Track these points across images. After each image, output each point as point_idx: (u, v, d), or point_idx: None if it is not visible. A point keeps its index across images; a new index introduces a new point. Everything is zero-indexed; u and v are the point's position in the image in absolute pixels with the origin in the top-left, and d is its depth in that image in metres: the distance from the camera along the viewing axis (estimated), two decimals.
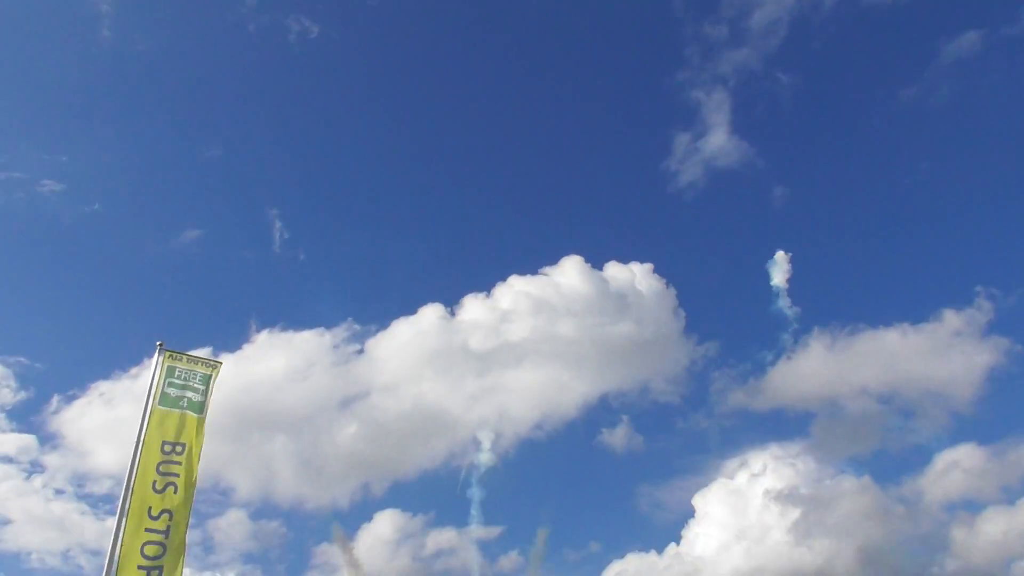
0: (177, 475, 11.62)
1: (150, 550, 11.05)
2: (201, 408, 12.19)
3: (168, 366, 12.31)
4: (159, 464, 11.63)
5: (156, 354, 12.31)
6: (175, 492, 11.50)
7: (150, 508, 11.31)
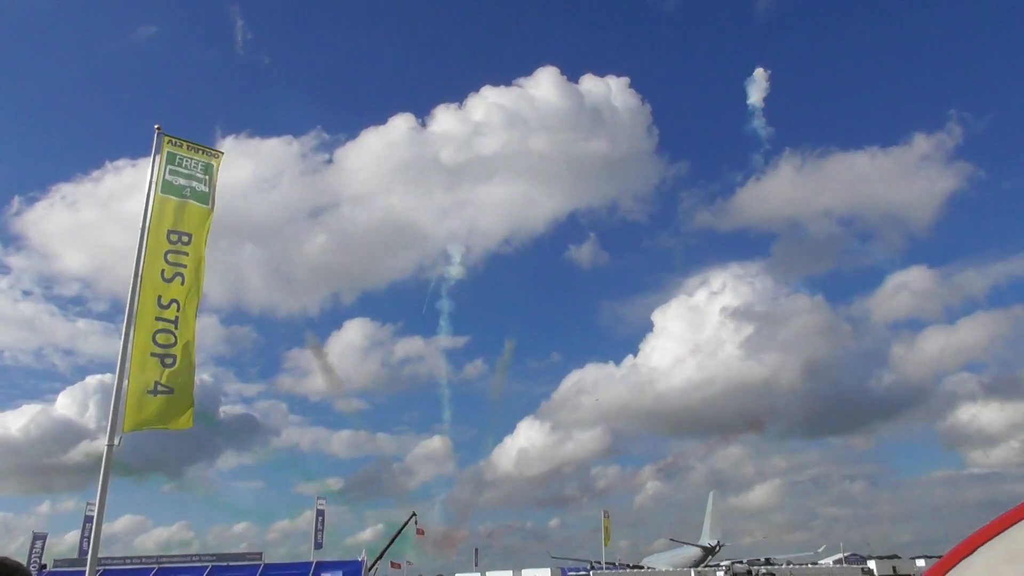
0: (184, 266, 11.25)
1: (162, 338, 10.86)
2: (206, 199, 11.64)
3: (168, 152, 11.59)
4: (167, 253, 11.22)
5: (155, 139, 11.56)
6: (182, 283, 11.18)
7: (159, 297, 11.02)
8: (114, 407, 10.46)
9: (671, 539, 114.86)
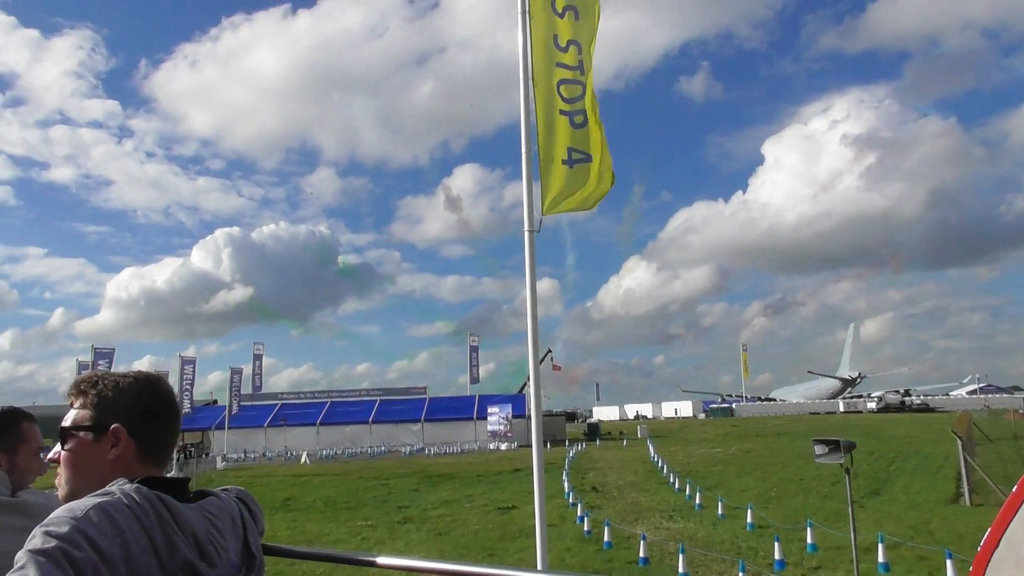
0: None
1: (566, 90, 7.89)
2: None
3: None
4: None
5: None
6: (576, 17, 8.05)
7: (556, 37, 7.95)
8: (527, 186, 7.70)
9: (809, 371, 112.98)
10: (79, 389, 1.63)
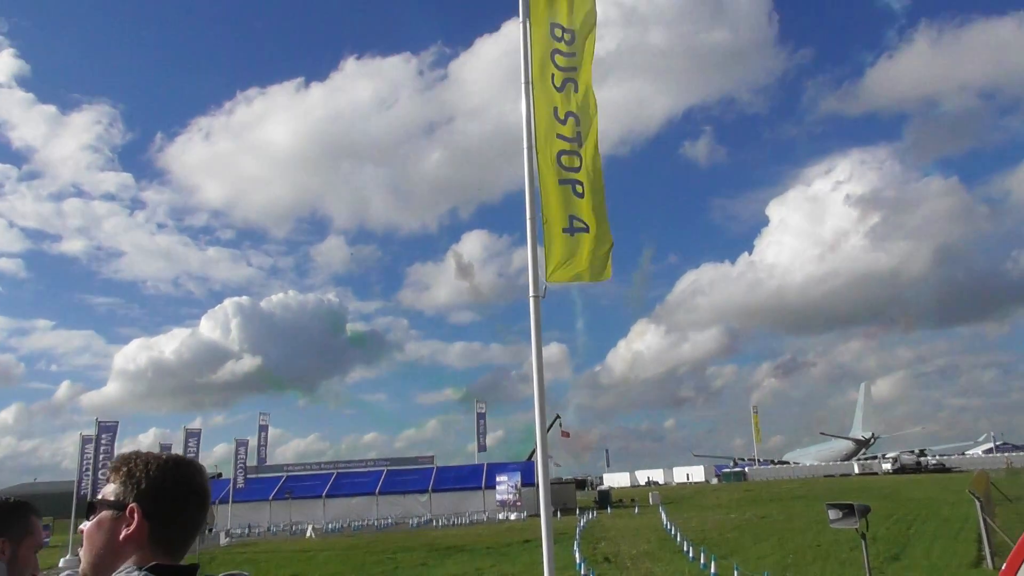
0: (575, 68, 8.32)
1: (567, 160, 8.06)
2: None
3: None
4: (553, 53, 8.29)
5: None
6: (576, 89, 8.28)
7: (555, 110, 8.17)
8: (531, 252, 7.80)
9: (822, 433, 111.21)
10: (114, 466, 1.67)
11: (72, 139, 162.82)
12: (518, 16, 8.45)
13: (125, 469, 1.64)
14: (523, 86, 8.23)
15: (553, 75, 8.29)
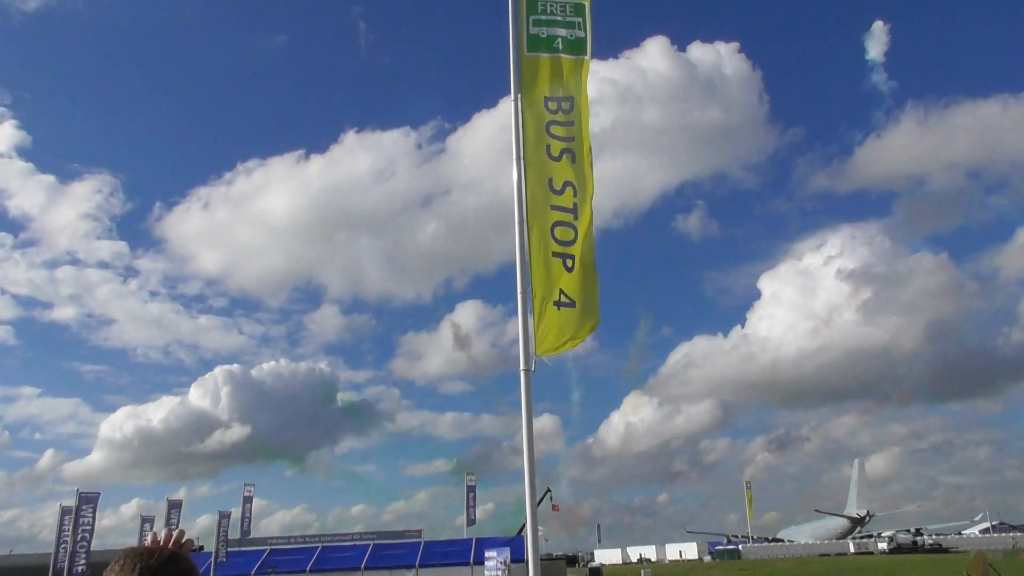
0: (572, 138, 8.49)
1: (560, 232, 8.13)
2: (583, 47, 8.78)
3: (528, 2, 8.81)
4: (548, 125, 8.47)
5: None
6: (573, 160, 8.41)
7: (550, 180, 8.29)
8: (522, 326, 7.80)
9: (816, 510, 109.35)
10: (120, 560, 1.74)
11: (71, 208, 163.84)
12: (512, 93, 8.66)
13: (118, 564, 1.71)
14: (515, 162, 8.38)
15: (549, 146, 8.44)
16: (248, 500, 55.34)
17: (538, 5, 8.83)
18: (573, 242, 8.17)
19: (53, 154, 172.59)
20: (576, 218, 8.23)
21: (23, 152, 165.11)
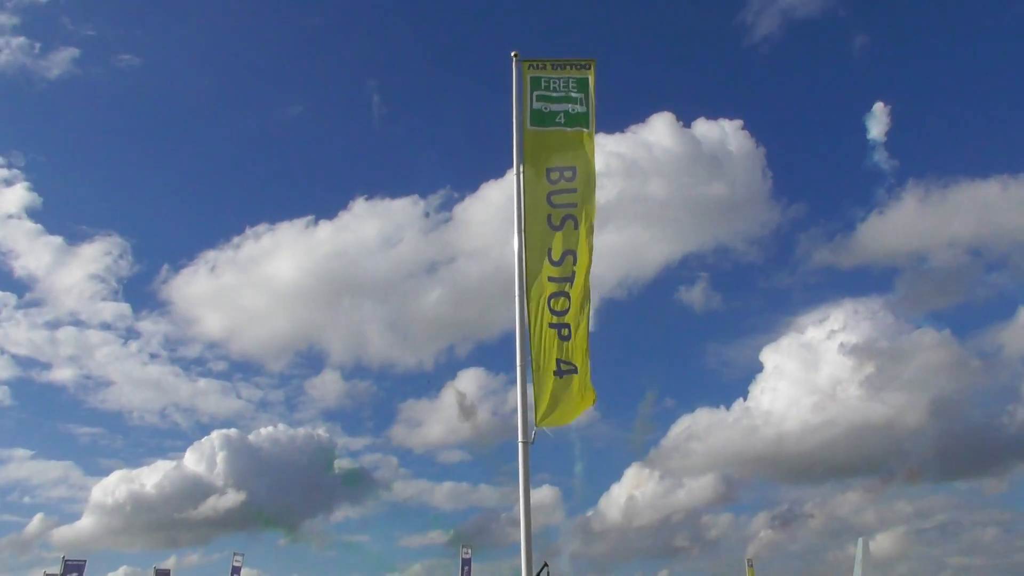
0: (574, 204, 8.61)
1: (557, 303, 8.14)
2: (585, 120, 8.97)
3: (532, 78, 9.06)
4: (549, 195, 8.58)
5: (513, 68, 9.12)
6: (575, 227, 8.52)
7: (550, 251, 8.36)
8: (521, 397, 7.75)
9: None
10: None
11: (79, 270, 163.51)
12: (522, 163, 8.77)
13: None
14: (516, 234, 8.44)
15: (550, 215, 8.53)
16: (236, 571, 53.85)
17: (541, 82, 9.06)
18: (567, 311, 8.18)
19: (62, 216, 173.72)
20: (571, 286, 8.26)
21: (32, 213, 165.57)
